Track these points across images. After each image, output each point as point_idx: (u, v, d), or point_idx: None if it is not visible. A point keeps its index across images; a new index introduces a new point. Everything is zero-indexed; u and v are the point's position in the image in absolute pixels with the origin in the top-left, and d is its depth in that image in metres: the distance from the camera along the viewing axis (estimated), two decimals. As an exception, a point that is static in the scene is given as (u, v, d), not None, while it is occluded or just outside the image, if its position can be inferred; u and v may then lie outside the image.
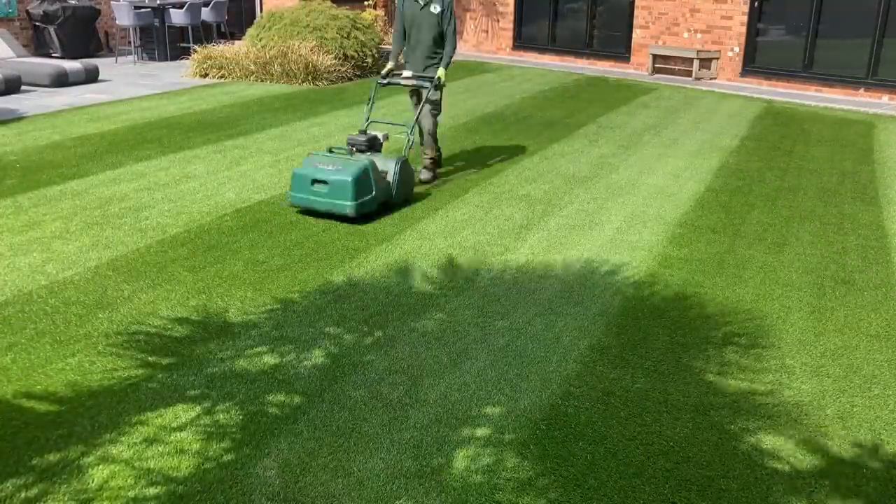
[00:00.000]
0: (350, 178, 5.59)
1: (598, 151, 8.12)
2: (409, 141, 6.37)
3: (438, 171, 7.06)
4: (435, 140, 6.89)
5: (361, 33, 12.47)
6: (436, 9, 6.59)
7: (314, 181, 5.71)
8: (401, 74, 6.79)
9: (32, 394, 3.48)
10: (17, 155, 7.34)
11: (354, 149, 6.08)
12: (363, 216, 5.72)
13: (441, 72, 6.58)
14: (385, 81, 6.70)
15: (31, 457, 3.04)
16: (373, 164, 5.78)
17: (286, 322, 4.21)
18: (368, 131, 6.28)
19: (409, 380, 3.68)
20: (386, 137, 6.33)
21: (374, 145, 6.17)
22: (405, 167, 6.10)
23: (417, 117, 6.64)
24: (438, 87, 6.58)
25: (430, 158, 6.89)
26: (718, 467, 3.13)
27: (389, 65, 6.80)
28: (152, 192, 6.36)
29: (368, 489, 2.93)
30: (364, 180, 5.68)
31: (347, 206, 5.61)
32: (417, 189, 6.54)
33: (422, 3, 6.63)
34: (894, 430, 3.43)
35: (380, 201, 5.86)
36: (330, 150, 5.99)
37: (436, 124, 6.87)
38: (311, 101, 10.32)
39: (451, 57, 6.69)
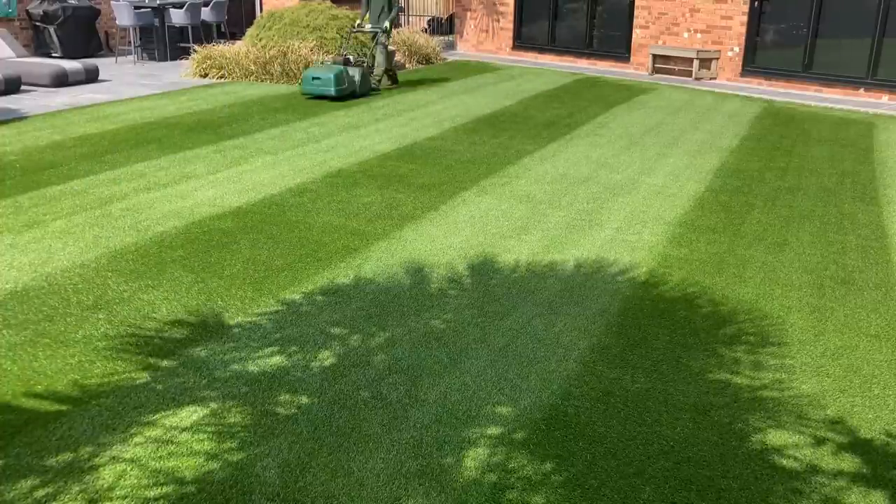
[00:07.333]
0: (332, 75, 10.30)
1: (597, 151, 8.12)
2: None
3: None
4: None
5: (361, 33, 12.46)
6: None
7: (313, 78, 10.40)
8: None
9: (33, 394, 3.48)
10: (17, 155, 7.34)
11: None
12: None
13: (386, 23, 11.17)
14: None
15: (34, 458, 3.04)
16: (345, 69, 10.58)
17: (286, 322, 4.21)
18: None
19: (409, 380, 3.69)
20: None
21: (348, 62, 10.78)
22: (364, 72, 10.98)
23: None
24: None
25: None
26: (718, 467, 3.13)
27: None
28: (152, 192, 6.36)
29: (368, 489, 2.94)
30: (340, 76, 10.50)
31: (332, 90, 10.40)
32: (419, 190, 6.55)
33: None
34: (894, 430, 3.43)
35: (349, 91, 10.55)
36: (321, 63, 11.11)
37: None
38: (311, 101, 10.32)
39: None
